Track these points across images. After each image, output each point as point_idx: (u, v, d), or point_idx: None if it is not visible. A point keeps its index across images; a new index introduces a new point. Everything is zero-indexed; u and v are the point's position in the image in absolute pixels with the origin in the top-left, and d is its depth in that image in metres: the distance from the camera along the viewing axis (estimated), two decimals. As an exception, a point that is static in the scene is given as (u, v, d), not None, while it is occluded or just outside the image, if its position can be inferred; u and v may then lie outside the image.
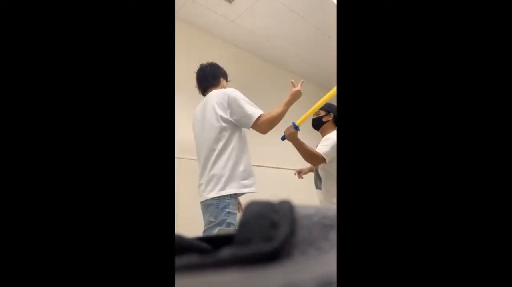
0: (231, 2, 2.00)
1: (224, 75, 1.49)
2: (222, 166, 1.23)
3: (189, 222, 1.64)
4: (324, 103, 1.29)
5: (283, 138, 1.41)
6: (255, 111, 1.27)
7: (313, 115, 1.58)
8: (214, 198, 1.20)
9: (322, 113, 1.56)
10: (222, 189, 1.20)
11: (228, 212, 1.19)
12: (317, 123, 1.58)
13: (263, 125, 1.27)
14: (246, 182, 1.24)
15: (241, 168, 1.25)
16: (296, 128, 1.35)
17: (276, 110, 1.28)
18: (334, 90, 1.23)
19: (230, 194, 1.20)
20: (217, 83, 1.45)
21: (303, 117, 1.34)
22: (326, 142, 1.41)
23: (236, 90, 1.33)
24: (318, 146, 1.43)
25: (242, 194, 1.26)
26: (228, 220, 1.18)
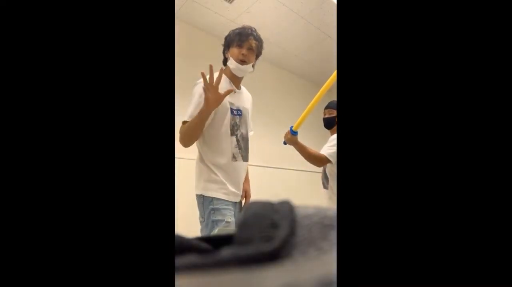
0: (231, 2, 2.00)
1: (232, 42, 1.15)
2: None
3: (189, 222, 1.64)
4: (316, 104, 1.29)
5: (285, 143, 1.42)
6: (186, 114, 1.08)
7: (325, 115, 1.59)
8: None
9: (335, 112, 1.56)
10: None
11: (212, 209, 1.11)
12: (330, 123, 1.58)
13: (179, 135, 1.09)
14: (211, 185, 1.12)
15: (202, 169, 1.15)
16: (294, 133, 1.35)
17: (189, 124, 1.05)
18: (320, 93, 1.24)
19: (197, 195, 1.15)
20: (225, 56, 1.21)
21: (300, 119, 1.34)
22: (333, 142, 1.41)
23: (197, 85, 1.11)
24: (324, 146, 1.43)
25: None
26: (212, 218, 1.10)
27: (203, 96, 1.01)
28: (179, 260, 0.13)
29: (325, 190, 1.60)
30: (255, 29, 1.16)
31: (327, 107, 1.60)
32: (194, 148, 1.57)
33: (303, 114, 1.31)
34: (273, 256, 0.14)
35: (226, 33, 1.19)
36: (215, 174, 1.13)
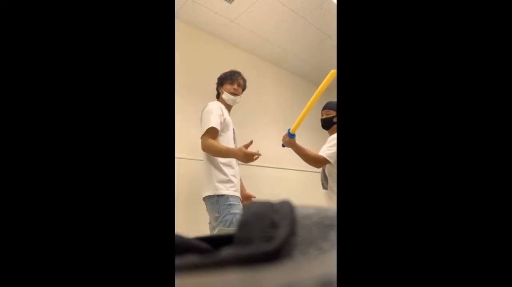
0: (231, 2, 2.00)
1: (225, 80, 1.57)
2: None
3: (189, 222, 1.64)
4: (312, 106, 1.28)
5: (283, 146, 1.42)
6: (206, 125, 1.39)
7: (323, 115, 1.59)
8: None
9: (333, 113, 1.56)
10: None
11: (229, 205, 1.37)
12: (328, 124, 1.58)
13: (202, 143, 1.39)
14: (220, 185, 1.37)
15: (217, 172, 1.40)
16: (291, 136, 1.36)
17: (220, 147, 1.37)
18: (316, 95, 1.25)
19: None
20: (218, 91, 1.59)
21: (296, 122, 1.33)
22: (332, 143, 1.41)
23: (214, 104, 1.46)
24: (323, 147, 1.43)
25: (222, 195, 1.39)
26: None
27: (218, 110, 1.43)
28: (179, 260, 0.13)
29: (324, 190, 1.59)
30: (240, 72, 1.61)
31: (324, 108, 1.60)
32: (193, 148, 1.57)
33: (299, 116, 1.31)
34: (273, 256, 0.14)
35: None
36: (225, 174, 1.38)
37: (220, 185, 1.37)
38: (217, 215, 1.35)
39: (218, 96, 1.60)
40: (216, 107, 1.46)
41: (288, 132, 1.36)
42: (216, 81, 1.62)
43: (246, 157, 1.32)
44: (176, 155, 1.81)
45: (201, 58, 2.13)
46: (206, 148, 1.38)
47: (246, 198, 1.56)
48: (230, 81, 1.56)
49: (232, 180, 1.40)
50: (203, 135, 1.40)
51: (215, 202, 1.36)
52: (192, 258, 0.14)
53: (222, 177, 1.38)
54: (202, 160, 1.47)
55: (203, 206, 1.45)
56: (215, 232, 1.34)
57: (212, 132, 1.39)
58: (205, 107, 1.48)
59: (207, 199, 1.39)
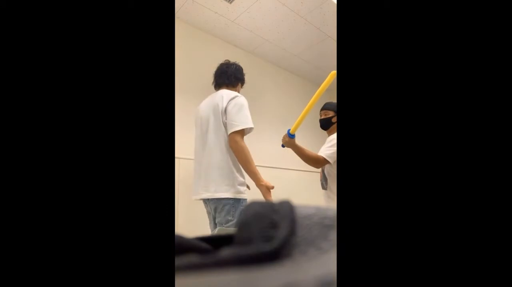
0: (231, 2, 2.00)
1: (243, 81, 1.53)
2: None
3: (189, 222, 1.64)
4: (312, 107, 1.29)
5: (283, 146, 1.42)
6: (245, 123, 1.28)
7: (322, 116, 1.59)
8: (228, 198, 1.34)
9: (331, 113, 1.57)
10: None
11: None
12: (326, 124, 1.59)
13: (237, 143, 1.28)
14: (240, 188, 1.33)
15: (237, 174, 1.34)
16: (291, 136, 1.36)
17: (250, 162, 1.29)
18: (316, 96, 1.25)
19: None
20: (235, 84, 1.48)
21: (296, 122, 1.33)
22: (331, 143, 1.42)
23: (244, 99, 1.35)
24: (322, 147, 1.44)
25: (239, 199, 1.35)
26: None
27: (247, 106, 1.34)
28: (179, 260, 0.13)
29: (323, 190, 1.60)
30: None
31: (323, 109, 1.61)
32: (193, 148, 1.57)
33: (299, 117, 1.31)
34: (273, 256, 0.14)
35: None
36: (243, 176, 1.34)
37: (241, 188, 1.31)
38: (230, 218, 1.29)
39: (233, 85, 1.46)
40: (247, 102, 1.35)
41: (288, 132, 1.36)
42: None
43: (265, 189, 1.30)
44: (176, 155, 1.81)
45: (201, 58, 2.13)
46: (241, 152, 1.27)
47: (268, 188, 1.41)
48: (243, 83, 1.54)
49: (246, 182, 1.34)
50: (238, 133, 1.27)
51: (229, 204, 1.29)
52: (192, 258, 0.14)
53: (242, 179, 1.32)
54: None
55: (203, 206, 1.44)
56: (215, 232, 1.33)
57: (246, 133, 1.29)
58: (234, 98, 1.33)
59: (219, 201, 1.30)
